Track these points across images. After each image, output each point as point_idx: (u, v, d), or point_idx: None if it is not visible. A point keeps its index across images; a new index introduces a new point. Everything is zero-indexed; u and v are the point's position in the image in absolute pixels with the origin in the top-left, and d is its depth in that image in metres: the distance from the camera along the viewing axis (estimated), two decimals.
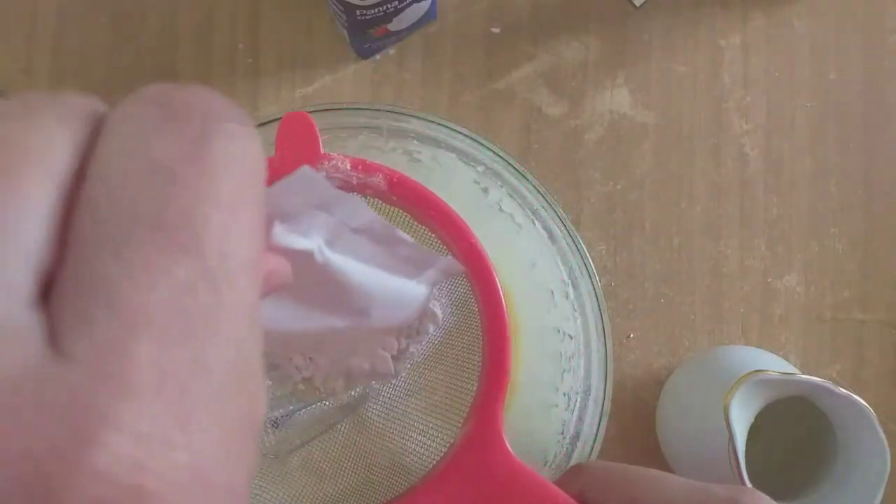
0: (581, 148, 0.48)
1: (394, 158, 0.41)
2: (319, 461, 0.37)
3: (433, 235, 0.33)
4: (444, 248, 0.32)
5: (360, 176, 0.31)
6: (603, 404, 0.39)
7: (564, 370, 0.38)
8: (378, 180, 0.31)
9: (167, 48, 0.47)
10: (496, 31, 0.48)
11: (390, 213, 0.33)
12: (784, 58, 0.49)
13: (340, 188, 0.31)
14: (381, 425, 0.36)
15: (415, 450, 0.35)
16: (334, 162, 0.30)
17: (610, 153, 0.48)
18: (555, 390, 0.38)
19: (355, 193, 0.31)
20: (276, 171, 0.29)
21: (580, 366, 0.40)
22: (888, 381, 0.47)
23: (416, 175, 0.42)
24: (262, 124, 0.40)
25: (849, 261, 0.48)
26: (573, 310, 0.39)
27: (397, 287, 0.28)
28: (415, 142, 0.41)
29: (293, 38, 0.47)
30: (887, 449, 0.35)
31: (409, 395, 0.36)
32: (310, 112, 0.41)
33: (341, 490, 0.35)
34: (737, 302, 0.47)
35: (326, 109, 0.41)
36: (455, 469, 0.30)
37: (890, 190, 0.48)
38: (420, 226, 0.33)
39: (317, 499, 0.35)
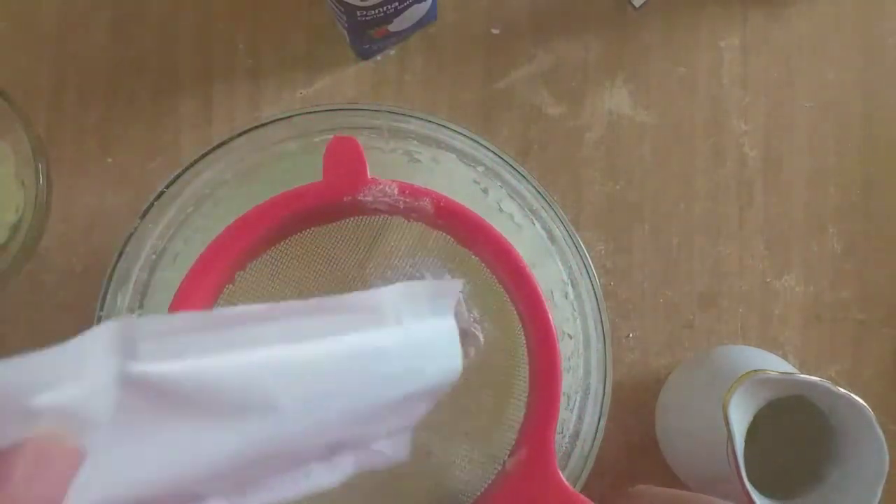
0: (581, 148, 0.48)
1: (394, 159, 0.41)
2: (365, 484, 0.34)
3: (476, 258, 0.32)
4: (490, 271, 0.31)
5: (406, 200, 0.30)
6: (602, 404, 0.40)
7: (564, 370, 0.38)
8: (425, 204, 0.30)
9: (167, 48, 0.47)
10: (496, 31, 0.48)
11: (434, 236, 0.32)
12: (783, 58, 0.49)
13: (386, 211, 0.30)
14: (425, 449, 0.35)
15: (459, 476, 0.34)
16: (381, 187, 0.30)
17: (610, 153, 0.48)
18: None
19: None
20: (324, 196, 0.29)
21: (580, 365, 0.40)
22: (887, 380, 0.47)
23: (417, 175, 0.42)
24: (263, 125, 0.41)
25: (847, 261, 0.48)
26: (573, 310, 0.39)
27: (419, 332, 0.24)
28: (415, 142, 0.41)
29: (293, 38, 0.47)
30: (886, 449, 0.35)
31: (452, 419, 0.34)
32: (310, 113, 0.41)
33: None
34: (736, 302, 0.47)
35: (327, 110, 0.41)
36: (506, 497, 0.29)
37: (889, 190, 0.48)
38: (462, 248, 0.32)
39: None
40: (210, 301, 0.30)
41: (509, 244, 0.30)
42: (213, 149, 0.40)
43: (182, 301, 0.29)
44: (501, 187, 0.40)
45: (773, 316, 0.47)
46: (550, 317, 0.30)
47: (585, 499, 0.29)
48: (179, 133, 0.47)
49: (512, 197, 0.40)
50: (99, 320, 0.40)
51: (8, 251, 0.42)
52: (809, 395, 0.36)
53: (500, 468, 0.31)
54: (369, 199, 0.30)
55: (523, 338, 0.31)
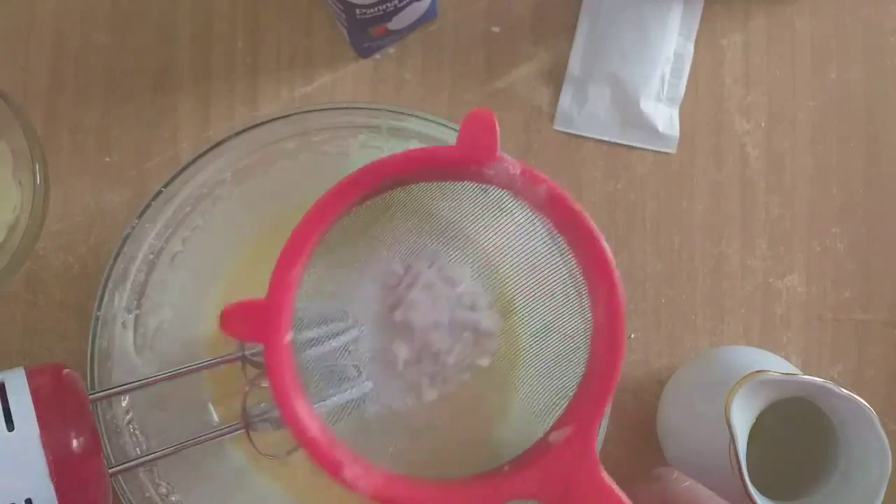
0: (581, 148, 0.47)
1: None
2: (404, 431, 0.37)
3: (569, 248, 0.34)
4: (575, 261, 0.34)
5: (523, 182, 0.32)
6: None
7: None
8: (540, 190, 0.32)
9: (167, 48, 0.47)
10: (496, 29, 0.48)
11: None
12: (785, 57, 0.49)
13: (501, 186, 0.33)
14: (478, 399, 0.38)
15: (502, 435, 0.36)
16: (505, 165, 0.32)
17: (610, 152, 0.47)
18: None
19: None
20: (454, 161, 0.32)
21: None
22: (889, 381, 0.47)
23: None
24: (262, 124, 0.40)
25: (850, 261, 0.48)
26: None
27: None
28: (415, 141, 0.41)
29: (293, 36, 0.47)
30: (888, 449, 0.35)
31: (504, 386, 0.37)
32: (309, 111, 0.41)
33: (431, 451, 0.36)
34: (738, 302, 0.47)
35: (326, 109, 0.41)
36: (543, 467, 0.31)
37: (891, 189, 0.48)
38: (559, 235, 0.34)
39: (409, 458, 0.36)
40: (327, 226, 0.32)
41: (605, 246, 0.32)
42: (212, 148, 0.40)
43: (309, 222, 0.31)
44: None
45: (775, 316, 0.47)
46: (623, 317, 0.32)
47: (615, 488, 0.30)
48: (177, 132, 0.46)
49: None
50: (97, 320, 0.40)
51: (5, 251, 0.42)
52: (812, 396, 0.36)
53: (541, 436, 0.33)
54: (491, 172, 0.32)
55: (589, 325, 0.34)
